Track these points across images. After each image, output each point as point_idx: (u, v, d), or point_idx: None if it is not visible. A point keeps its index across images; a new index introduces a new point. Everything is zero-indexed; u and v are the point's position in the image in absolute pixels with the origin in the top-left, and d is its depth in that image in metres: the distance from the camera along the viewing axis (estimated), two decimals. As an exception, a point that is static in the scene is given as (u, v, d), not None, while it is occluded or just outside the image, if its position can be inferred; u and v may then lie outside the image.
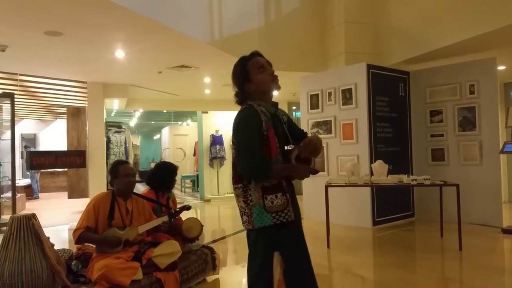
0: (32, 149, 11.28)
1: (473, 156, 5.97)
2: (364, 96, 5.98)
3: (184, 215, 3.57)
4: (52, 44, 5.26)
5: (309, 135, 7.21)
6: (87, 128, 8.50)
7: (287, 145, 2.18)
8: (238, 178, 2.02)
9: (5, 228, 2.60)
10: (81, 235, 2.84)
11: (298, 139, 2.17)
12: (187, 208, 3.40)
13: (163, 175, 3.66)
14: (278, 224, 1.95)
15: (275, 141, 2.02)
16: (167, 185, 3.69)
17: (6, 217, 6.56)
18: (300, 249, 2.07)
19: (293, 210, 2.02)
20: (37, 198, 11.55)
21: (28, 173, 11.86)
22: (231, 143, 2.10)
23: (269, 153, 1.98)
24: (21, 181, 11.38)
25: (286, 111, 10.32)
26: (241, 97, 2.10)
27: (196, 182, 12.70)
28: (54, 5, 4.07)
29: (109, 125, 9.48)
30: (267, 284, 1.94)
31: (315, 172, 2.11)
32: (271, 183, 1.97)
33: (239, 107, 2.13)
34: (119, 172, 3.05)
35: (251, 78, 2.04)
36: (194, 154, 13.17)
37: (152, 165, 16.21)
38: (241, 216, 2.06)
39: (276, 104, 2.15)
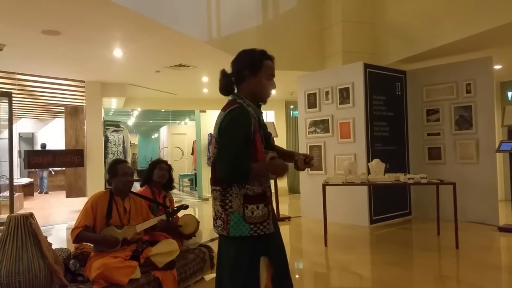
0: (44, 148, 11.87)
1: (470, 155, 6.00)
2: (361, 95, 6.00)
3: (181, 214, 3.58)
4: (50, 43, 5.26)
5: (306, 135, 7.15)
6: (85, 127, 8.49)
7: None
8: (217, 180, 1.91)
9: (2, 227, 2.59)
10: (79, 234, 2.84)
11: (267, 141, 2.07)
12: (185, 207, 3.40)
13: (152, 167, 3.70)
14: (255, 236, 1.85)
15: (261, 145, 1.93)
16: (169, 183, 3.73)
17: (4, 216, 6.56)
18: (282, 257, 2.02)
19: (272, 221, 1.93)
20: (47, 192, 12.50)
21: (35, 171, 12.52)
22: (215, 141, 1.95)
23: (255, 157, 1.88)
24: (19, 180, 11.40)
25: (284, 110, 10.50)
26: (230, 85, 1.98)
27: (194, 181, 12.71)
28: (52, 4, 4.07)
29: (107, 124, 9.48)
30: None
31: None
32: (255, 191, 1.87)
33: None
34: (118, 171, 3.05)
35: (258, 75, 1.94)
36: (192, 153, 13.18)
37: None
38: (215, 220, 1.94)
39: (259, 105, 2.05)
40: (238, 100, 1.93)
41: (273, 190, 2.79)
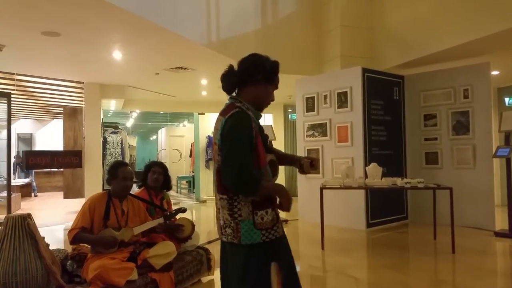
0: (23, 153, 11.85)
1: (467, 160, 6.02)
2: (359, 99, 6.03)
3: (178, 217, 3.59)
4: (50, 44, 5.27)
5: (304, 138, 7.15)
6: (83, 129, 8.49)
7: None
8: (223, 188, 1.84)
9: (0, 228, 2.60)
10: (77, 235, 2.85)
11: (265, 144, 2.00)
12: (183, 210, 3.41)
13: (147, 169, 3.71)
14: (267, 241, 1.82)
15: (263, 149, 1.87)
16: (165, 184, 3.74)
17: (1, 216, 6.54)
18: (291, 258, 1.99)
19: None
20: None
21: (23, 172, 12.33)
22: (217, 147, 1.86)
23: (257, 162, 1.83)
24: (17, 181, 11.38)
25: (282, 113, 10.52)
26: (234, 84, 1.91)
27: (192, 183, 12.70)
28: (52, 6, 4.08)
29: (105, 125, 9.47)
30: None
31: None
32: (262, 197, 1.83)
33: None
34: (118, 175, 3.05)
35: (269, 84, 1.93)
36: (190, 155, 13.18)
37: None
38: (224, 228, 1.87)
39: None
40: (237, 104, 1.87)
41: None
